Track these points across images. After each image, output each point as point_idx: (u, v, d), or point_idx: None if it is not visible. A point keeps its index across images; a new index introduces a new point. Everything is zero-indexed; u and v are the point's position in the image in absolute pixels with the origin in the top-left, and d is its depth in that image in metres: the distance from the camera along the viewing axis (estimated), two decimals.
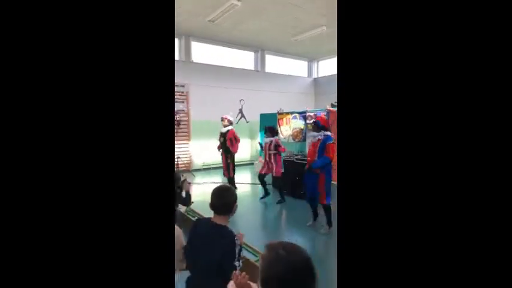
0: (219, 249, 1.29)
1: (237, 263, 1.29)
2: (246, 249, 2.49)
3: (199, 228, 1.43)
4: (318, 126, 3.33)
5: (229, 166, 5.06)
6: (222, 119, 5.10)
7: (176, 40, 8.27)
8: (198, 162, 8.18)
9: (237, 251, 1.30)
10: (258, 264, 1.05)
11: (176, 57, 8.29)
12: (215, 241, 1.32)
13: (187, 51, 8.34)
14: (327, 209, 3.37)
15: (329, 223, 3.42)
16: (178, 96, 8.05)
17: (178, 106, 8.02)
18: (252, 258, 2.28)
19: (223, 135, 5.10)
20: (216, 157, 8.81)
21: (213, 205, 1.40)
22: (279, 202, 4.66)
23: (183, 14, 6.68)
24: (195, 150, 8.30)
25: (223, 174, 5.24)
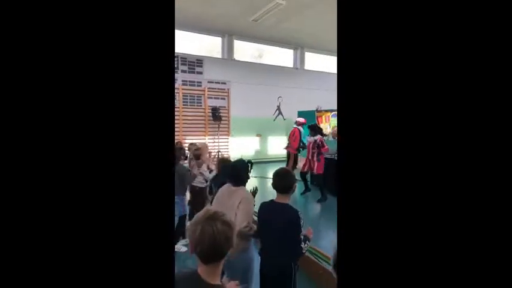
0: (284, 221, 1.49)
1: (303, 245, 1.47)
2: (317, 255, 2.59)
3: (265, 208, 1.63)
4: None
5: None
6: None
7: (219, 39, 8.60)
8: (236, 156, 8.49)
9: (302, 224, 1.48)
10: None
11: (219, 55, 8.63)
12: (280, 216, 1.53)
13: (230, 49, 8.62)
14: None
15: None
16: (220, 93, 8.39)
17: (219, 102, 8.36)
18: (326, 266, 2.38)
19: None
20: (252, 152, 9.07)
21: (276, 186, 1.59)
22: (319, 200, 4.73)
23: (227, 14, 6.94)
24: (235, 145, 8.61)
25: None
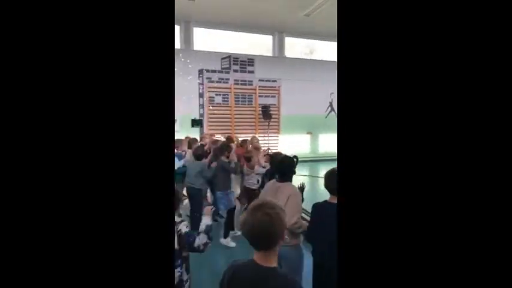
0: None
1: None
2: None
3: (318, 209, 1.60)
4: None
5: None
6: None
7: (270, 37, 8.64)
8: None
9: None
10: None
11: (270, 53, 8.68)
12: (333, 217, 1.48)
13: (281, 47, 8.61)
14: None
15: None
16: (271, 91, 8.45)
17: (269, 100, 8.42)
18: None
19: None
20: (303, 150, 8.94)
21: (328, 186, 1.55)
22: None
23: (278, 11, 6.92)
24: (285, 143, 8.60)
25: None
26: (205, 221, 1.69)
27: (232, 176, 3.71)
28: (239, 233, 3.39)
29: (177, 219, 1.64)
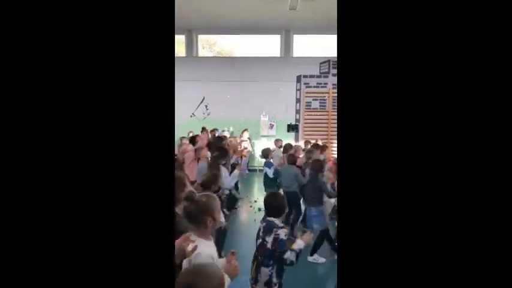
0: None
1: None
2: None
3: None
4: None
5: None
6: None
7: None
8: None
9: None
10: None
11: None
12: None
13: None
14: None
15: None
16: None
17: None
18: None
19: None
20: None
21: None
22: None
23: None
24: None
25: None
26: (300, 244, 1.76)
27: None
28: (322, 260, 3.18)
29: (279, 222, 1.75)
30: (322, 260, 3.25)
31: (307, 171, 3.54)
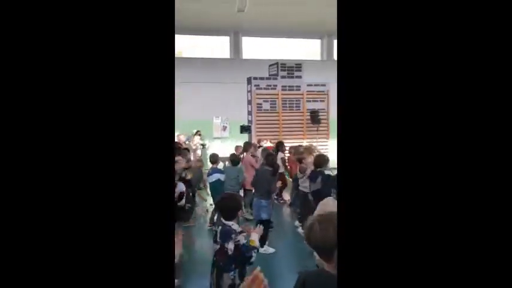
0: None
1: None
2: None
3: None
4: None
5: None
6: None
7: (319, 41, 8.50)
8: (334, 159, 8.14)
9: None
10: None
11: (318, 57, 8.53)
12: None
13: (330, 50, 8.41)
14: None
15: None
16: (319, 96, 8.26)
17: (318, 105, 8.24)
18: None
19: None
20: None
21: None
22: None
23: (327, 14, 6.78)
24: (334, 148, 8.30)
25: None
26: (256, 237, 1.75)
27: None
28: (271, 250, 3.34)
29: (236, 227, 1.73)
30: (271, 250, 3.39)
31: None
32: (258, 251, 1.72)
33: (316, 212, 2.09)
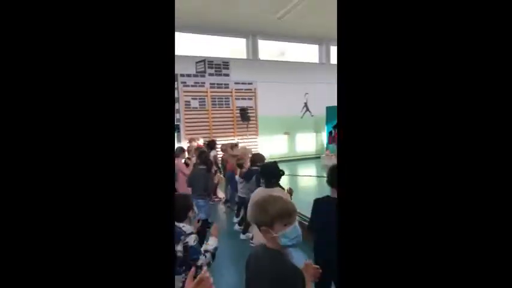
0: None
1: None
2: None
3: (322, 205, 1.67)
4: None
5: None
6: None
7: (244, 40, 8.71)
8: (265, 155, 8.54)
9: None
10: None
11: (244, 55, 8.74)
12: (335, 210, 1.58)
13: (255, 49, 8.71)
14: None
15: None
16: (247, 94, 8.50)
17: (246, 103, 8.48)
18: None
19: None
20: (281, 150, 9.09)
21: (331, 182, 1.65)
22: None
23: (251, 14, 7.01)
24: (263, 143, 8.69)
25: None
26: (213, 242, 1.71)
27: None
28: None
29: (187, 228, 1.66)
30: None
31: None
32: (214, 256, 1.69)
33: (251, 200, 2.18)
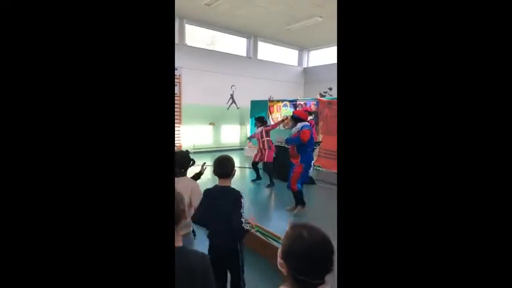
0: (228, 202, 1.58)
1: (245, 225, 1.57)
2: (265, 235, 2.65)
3: (209, 193, 1.69)
4: (294, 118, 3.63)
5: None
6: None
7: None
8: (188, 145, 8.32)
9: (242, 204, 1.59)
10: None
11: None
12: (223, 198, 1.62)
13: (181, 34, 8.29)
14: (296, 194, 3.69)
15: (297, 204, 3.75)
16: None
17: None
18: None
19: None
20: (206, 140, 8.99)
21: (217, 172, 1.70)
22: (268, 186, 4.95)
23: None
24: (186, 133, 8.42)
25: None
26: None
27: None
28: None
29: None
30: None
31: None
32: None
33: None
